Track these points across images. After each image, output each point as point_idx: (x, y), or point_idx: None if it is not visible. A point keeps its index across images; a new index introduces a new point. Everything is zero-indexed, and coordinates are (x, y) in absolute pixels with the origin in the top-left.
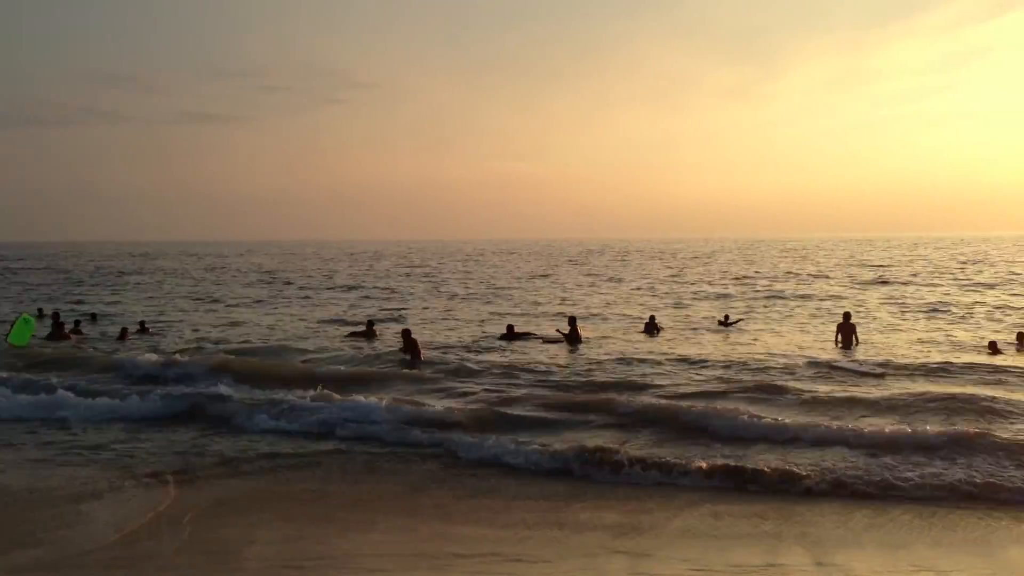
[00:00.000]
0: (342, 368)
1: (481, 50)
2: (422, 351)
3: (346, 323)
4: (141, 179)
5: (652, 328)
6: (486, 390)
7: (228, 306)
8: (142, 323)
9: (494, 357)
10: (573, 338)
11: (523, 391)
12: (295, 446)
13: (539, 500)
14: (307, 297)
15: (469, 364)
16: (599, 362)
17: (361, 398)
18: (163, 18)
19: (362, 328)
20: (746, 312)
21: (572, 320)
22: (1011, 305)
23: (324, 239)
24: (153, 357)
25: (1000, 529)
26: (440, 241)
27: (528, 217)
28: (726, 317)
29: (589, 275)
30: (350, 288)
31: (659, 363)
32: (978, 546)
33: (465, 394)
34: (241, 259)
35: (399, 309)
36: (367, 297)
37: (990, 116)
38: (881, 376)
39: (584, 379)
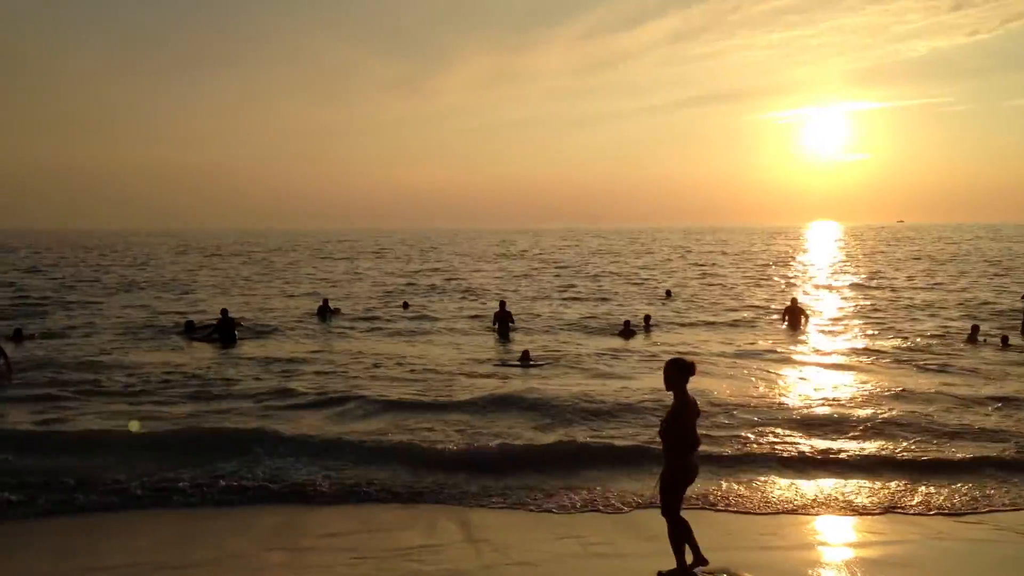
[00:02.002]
0: None
1: (132, 31)
2: (11, 360)
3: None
4: None
5: (325, 311)
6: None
7: None
8: None
9: (149, 358)
10: (226, 333)
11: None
12: None
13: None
14: None
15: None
16: (246, 363)
17: None
18: None
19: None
20: (411, 299)
21: (224, 312)
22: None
23: None
24: None
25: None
26: (82, 231)
27: (189, 207)
28: (404, 304)
29: (264, 266)
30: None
31: (298, 371)
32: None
33: None
34: None
35: (40, 304)
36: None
37: (627, 117)
38: (540, 366)
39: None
